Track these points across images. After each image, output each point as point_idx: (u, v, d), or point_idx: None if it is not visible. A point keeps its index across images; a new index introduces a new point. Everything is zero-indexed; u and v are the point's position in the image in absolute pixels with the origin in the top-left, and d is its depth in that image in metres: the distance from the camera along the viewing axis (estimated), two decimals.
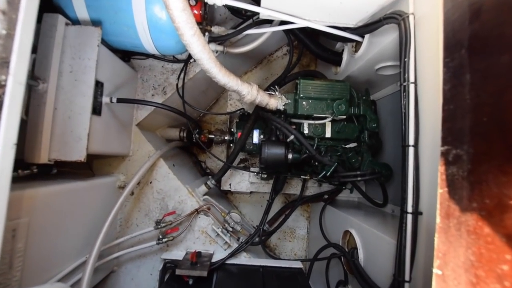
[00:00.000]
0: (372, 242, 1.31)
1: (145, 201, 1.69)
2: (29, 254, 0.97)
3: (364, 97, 1.70)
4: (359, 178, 1.49)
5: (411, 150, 1.00)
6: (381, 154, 1.87)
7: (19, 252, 0.93)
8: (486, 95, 0.54)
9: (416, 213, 0.96)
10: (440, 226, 0.63)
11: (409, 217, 0.96)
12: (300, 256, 2.39)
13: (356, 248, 1.45)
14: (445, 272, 0.61)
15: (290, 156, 1.62)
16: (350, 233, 1.59)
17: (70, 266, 1.19)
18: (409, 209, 0.96)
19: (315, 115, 1.55)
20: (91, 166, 1.66)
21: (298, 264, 1.65)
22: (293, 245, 2.41)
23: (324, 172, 1.53)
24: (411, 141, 1.01)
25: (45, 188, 1.11)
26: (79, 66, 1.22)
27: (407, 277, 0.94)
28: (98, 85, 1.31)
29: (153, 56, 1.75)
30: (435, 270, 0.62)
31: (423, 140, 1.00)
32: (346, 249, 1.53)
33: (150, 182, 1.70)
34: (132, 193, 1.69)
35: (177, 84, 1.70)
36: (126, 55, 1.72)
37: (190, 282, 1.39)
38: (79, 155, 1.19)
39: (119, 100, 1.42)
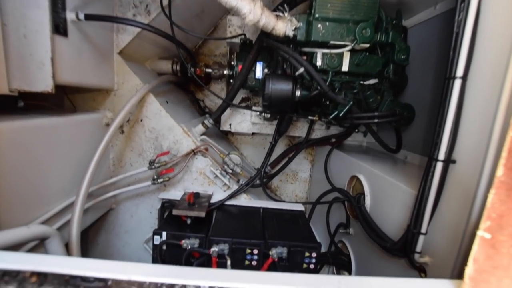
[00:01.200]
0: (383, 189, 1.20)
1: (137, 140, 1.55)
2: (2, 195, 0.87)
3: (394, 21, 1.38)
4: (376, 120, 1.30)
5: (457, 84, 0.77)
6: (401, 94, 1.63)
7: None
8: None
9: (449, 161, 0.80)
10: (502, 181, 0.47)
11: (439, 166, 0.80)
12: (302, 197, 2.39)
13: (362, 194, 1.36)
14: (498, 237, 0.47)
15: (298, 93, 1.40)
16: (357, 179, 1.49)
17: (57, 206, 1.12)
18: (441, 156, 0.80)
19: (331, 42, 1.27)
20: (72, 101, 1.48)
21: (300, 207, 1.61)
22: (295, 187, 2.38)
23: (336, 112, 1.33)
24: (460, 71, 0.77)
25: (12, 123, 0.95)
26: None
27: (423, 230, 0.84)
28: None
29: None
30: (482, 233, 0.49)
31: (476, 72, 0.77)
32: (352, 194, 1.45)
33: (141, 120, 1.53)
34: (123, 132, 1.55)
35: (161, 1, 1.37)
36: None
37: (188, 221, 1.36)
38: (45, 85, 0.99)
39: (88, 17, 1.13)
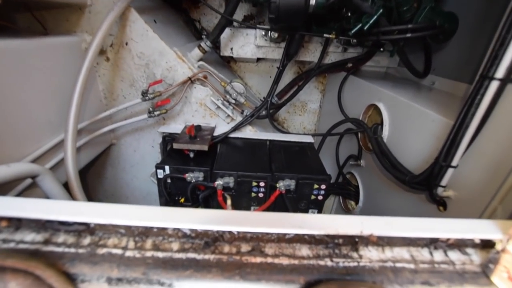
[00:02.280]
0: (406, 118, 1.05)
1: (125, 68, 1.37)
2: None
3: None
4: (409, 35, 1.05)
5: None
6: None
7: None
8: None
9: (507, 81, 0.62)
10: None
11: (494, 85, 0.63)
12: (310, 129, 2.29)
13: (380, 124, 1.23)
14: None
15: (313, 0, 1.11)
16: (375, 108, 1.33)
17: (47, 144, 1.04)
18: (500, 73, 0.61)
19: None
20: (42, 23, 1.24)
21: (309, 139, 1.51)
22: (303, 118, 2.25)
23: (360, 25, 1.08)
24: None
25: None
26: None
27: (455, 162, 0.73)
28: None
29: None
30: None
31: None
32: (367, 125, 1.32)
33: (126, 44, 1.31)
34: (108, 59, 1.35)
35: None
36: None
37: (191, 155, 1.29)
38: None
39: None
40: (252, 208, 1.22)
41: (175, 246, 0.47)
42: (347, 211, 1.61)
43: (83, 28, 1.30)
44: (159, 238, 0.48)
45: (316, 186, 1.15)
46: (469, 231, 0.45)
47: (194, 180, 1.19)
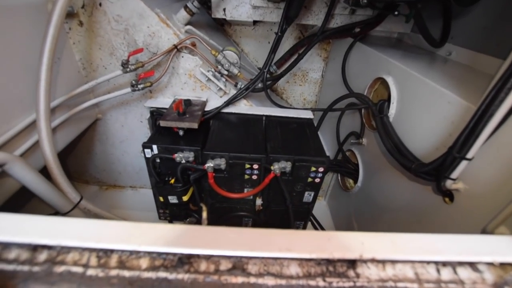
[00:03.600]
0: (417, 96, 0.94)
1: (102, 35, 1.20)
2: None
3: None
4: None
5: None
6: None
7: None
8: None
9: None
10: None
11: None
12: (310, 101, 2.15)
13: (387, 101, 1.11)
14: None
15: None
16: (382, 82, 1.20)
17: (19, 124, 0.94)
18: None
19: None
20: None
21: (309, 114, 1.40)
22: (304, 89, 2.11)
23: None
24: None
25: None
26: None
27: (470, 155, 0.64)
28: None
29: None
30: None
31: None
32: (373, 101, 1.20)
33: (100, 4, 1.13)
34: (81, 23, 1.18)
35: None
36: None
37: (181, 133, 1.20)
38: None
39: None
40: (245, 190, 1.16)
41: (144, 263, 0.41)
42: (345, 189, 1.56)
43: None
44: (126, 253, 0.41)
45: (313, 168, 1.08)
46: (486, 252, 0.38)
47: (183, 161, 1.12)
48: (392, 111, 1.06)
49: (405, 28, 1.56)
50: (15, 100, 0.96)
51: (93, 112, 1.42)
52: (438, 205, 0.80)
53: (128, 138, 1.56)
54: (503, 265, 0.42)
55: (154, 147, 1.15)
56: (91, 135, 1.55)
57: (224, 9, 1.47)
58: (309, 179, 1.11)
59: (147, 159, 1.18)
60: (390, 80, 1.10)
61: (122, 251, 0.39)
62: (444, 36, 1.25)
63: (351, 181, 1.55)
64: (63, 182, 1.00)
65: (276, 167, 1.05)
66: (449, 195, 0.75)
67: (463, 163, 0.66)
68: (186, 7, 1.22)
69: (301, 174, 1.10)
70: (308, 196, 1.18)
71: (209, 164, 1.05)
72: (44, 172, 0.98)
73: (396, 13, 1.15)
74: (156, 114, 1.35)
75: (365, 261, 0.39)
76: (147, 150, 1.16)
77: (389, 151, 0.96)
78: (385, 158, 1.13)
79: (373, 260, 0.37)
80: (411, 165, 0.81)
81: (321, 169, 1.08)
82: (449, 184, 0.70)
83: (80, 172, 1.75)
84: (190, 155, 1.12)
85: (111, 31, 1.19)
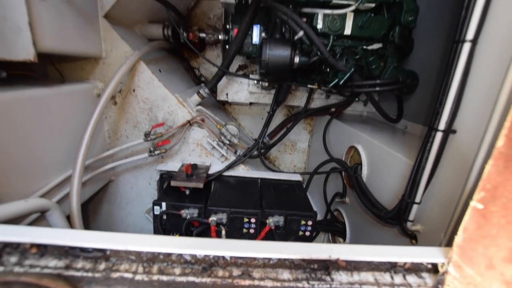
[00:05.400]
0: (380, 159, 1.19)
1: (131, 112, 1.51)
2: None
3: None
4: (378, 88, 1.25)
5: (466, 48, 0.72)
6: (406, 60, 1.55)
7: None
8: None
9: (449, 131, 0.77)
10: (502, 151, 0.45)
11: (439, 136, 0.78)
12: (299, 168, 2.41)
13: (360, 164, 1.36)
14: (490, 207, 0.47)
15: (296, 59, 1.32)
16: (355, 149, 1.48)
17: (55, 180, 1.13)
18: (442, 125, 0.77)
19: (334, 1, 1.16)
20: (60, 71, 1.40)
21: (298, 177, 1.62)
22: (293, 157, 2.39)
23: (336, 80, 1.27)
24: (470, 34, 0.71)
25: None
26: None
27: (417, 199, 0.84)
28: None
29: None
30: (475, 203, 0.48)
31: (487, 35, 0.71)
32: (349, 165, 1.45)
33: (134, 90, 1.48)
34: (115, 103, 1.50)
35: None
36: None
37: (187, 192, 1.38)
38: (26, 53, 0.93)
39: None
40: None
41: (178, 271, 0.55)
42: None
43: (95, 76, 1.47)
44: (164, 264, 0.56)
45: (303, 222, 1.23)
46: (419, 256, 0.55)
47: (189, 217, 1.26)
48: (364, 172, 1.30)
49: (371, 108, 1.97)
50: (55, 160, 1.16)
51: (108, 174, 1.61)
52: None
53: (134, 199, 1.70)
54: (436, 271, 0.58)
55: (163, 204, 1.31)
56: (101, 196, 1.69)
57: (227, 94, 1.86)
58: (300, 233, 1.24)
59: (155, 216, 1.31)
60: (360, 148, 1.38)
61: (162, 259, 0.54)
62: (399, 114, 1.62)
63: (341, 239, 1.65)
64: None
65: (271, 221, 1.20)
66: (413, 237, 0.91)
67: (415, 207, 0.85)
68: (198, 93, 1.59)
69: (292, 227, 1.24)
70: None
71: (213, 218, 1.20)
72: None
73: (357, 99, 1.53)
74: (165, 177, 1.54)
75: (337, 265, 0.54)
76: (156, 207, 1.31)
77: (364, 204, 1.15)
78: (365, 212, 1.30)
79: (340, 262, 0.53)
80: (380, 213, 0.99)
81: (310, 223, 1.23)
82: (409, 226, 0.88)
83: None
84: (195, 211, 1.27)
85: (138, 109, 1.51)
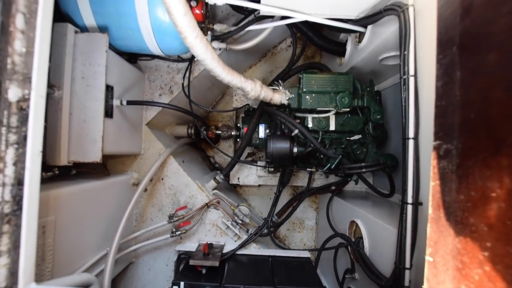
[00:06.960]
0: (377, 232, 1.35)
1: (158, 197, 1.78)
2: (57, 248, 1.07)
3: (368, 89, 1.70)
4: (363, 170, 1.52)
5: (411, 143, 1.02)
6: (387, 145, 1.87)
7: (49, 246, 1.03)
8: (474, 92, 0.56)
9: (417, 204, 0.99)
10: (432, 217, 0.67)
11: (409, 208, 0.99)
12: (310, 246, 2.45)
13: (361, 237, 1.49)
14: (436, 258, 0.64)
15: (295, 149, 1.65)
16: (356, 223, 1.63)
17: (93, 258, 1.30)
18: (409, 199, 0.99)
19: (318, 108, 1.58)
20: (106, 166, 1.75)
21: (306, 254, 1.71)
22: (302, 235, 2.47)
23: (329, 164, 1.56)
24: (411, 133, 1.02)
25: (68, 188, 1.20)
26: (90, 72, 1.29)
27: (407, 265, 0.98)
28: (109, 89, 1.38)
29: (158, 56, 1.80)
30: (427, 257, 0.66)
31: (423, 133, 1.02)
32: (353, 239, 1.57)
33: (162, 179, 1.78)
34: (146, 190, 1.78)
35: (182, 84, 1.76)
36: (133, 56, 1.78)
37: (203, 271, 1.48)
38: (95, 156, 1.27)
39: (129, 103, 1.48)
40: None
41: None
42: None
43: (132, 168, 1.81)
44: None
45: None
46: None
47: None
48: (366, 245, 1.42)
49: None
50: (94, 241, 1.36)
51: (130, 256, 1.74)
52: None
53: (150, 282, 1.76)
54: None
55: (182, 283, 1.40)
56: (118, 279, 1.76)
57: (238, 178, 2.15)
58: None
59: None
60: (359, 222, 1.54)
61: None
62: (391, 190, 1.82)
63: None
64: None
65: None
66: None
67: (407, 272, 0.97)
68: (215, 179, 1.87)
69: None
70: None
71: None
72: None
73: (349, 179, 1.79)
74: (182, 257, 1.66)
75: None
76: (175, 287, 1.39)
77: (368, 276, 1.23)
78: (373, 286, 1.35)
79: None
80: (382, 282, 1.09)
81: None
82: None
83: None
84: None
85: (165, 195, 1.77)
